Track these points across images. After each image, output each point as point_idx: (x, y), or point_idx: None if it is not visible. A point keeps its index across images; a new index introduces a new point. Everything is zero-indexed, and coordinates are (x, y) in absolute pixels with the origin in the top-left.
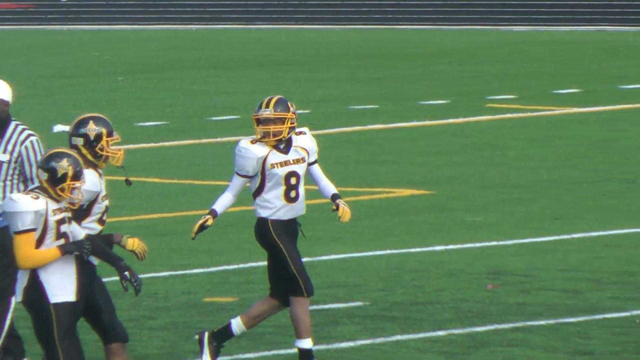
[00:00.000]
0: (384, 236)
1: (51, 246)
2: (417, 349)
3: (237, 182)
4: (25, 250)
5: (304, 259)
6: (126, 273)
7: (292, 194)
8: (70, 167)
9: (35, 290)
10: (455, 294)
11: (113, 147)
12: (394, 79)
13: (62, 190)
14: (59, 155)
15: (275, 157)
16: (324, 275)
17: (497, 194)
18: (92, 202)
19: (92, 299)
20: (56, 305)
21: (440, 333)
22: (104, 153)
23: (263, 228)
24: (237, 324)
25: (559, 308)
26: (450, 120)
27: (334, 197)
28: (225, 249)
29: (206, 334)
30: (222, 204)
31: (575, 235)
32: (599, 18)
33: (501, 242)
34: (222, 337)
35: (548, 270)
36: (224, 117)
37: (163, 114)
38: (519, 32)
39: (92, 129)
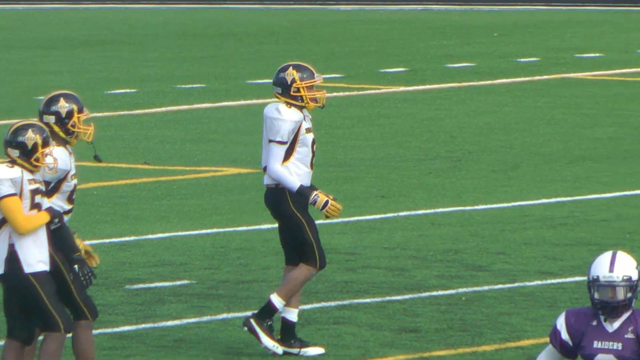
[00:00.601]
0: (210, 215)
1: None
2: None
3: (281, 152)
4: (21, 213)
5: (129, 238)
6: (75, 267)
7: (313, 160)
8: (38, 136)
9: (14, 262)
10: (281, 272)
11: (84, 124)
12: (221, 58)
13: (37, 160)
14: (23, 128)
15: (307, 123)
16: (150, 254)
17: (322, 173)
18: (61, 180)
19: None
20: (34, 275)
21: None
22: (76, 129)
23: (278, 198)
24: (276, 299)
25: (385, 286)
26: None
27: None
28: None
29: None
30: (292, 177)
31: (400, 214)
32: None
33: (326, 221)
34: (265, 315)
35: (373, 248)
36: None
37: None
38: (345, 11)
39: (63, 106)
